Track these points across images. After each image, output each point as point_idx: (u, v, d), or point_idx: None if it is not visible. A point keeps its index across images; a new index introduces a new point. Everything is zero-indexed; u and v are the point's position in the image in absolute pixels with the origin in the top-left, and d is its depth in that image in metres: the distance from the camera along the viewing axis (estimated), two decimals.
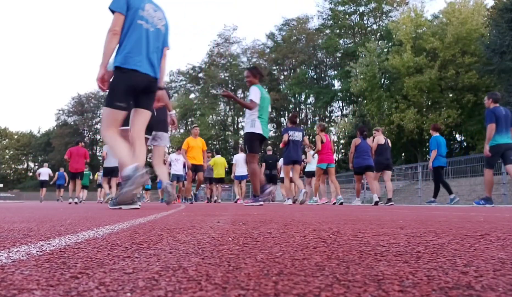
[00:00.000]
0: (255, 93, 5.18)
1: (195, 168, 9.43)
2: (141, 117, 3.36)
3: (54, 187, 17.61)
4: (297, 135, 7.72)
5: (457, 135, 32.91)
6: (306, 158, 9.89)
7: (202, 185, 12.01)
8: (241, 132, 46.94)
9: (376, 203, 7.51)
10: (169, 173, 11.64)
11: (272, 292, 0.48)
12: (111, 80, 3.21)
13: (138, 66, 3.15)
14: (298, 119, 8.29)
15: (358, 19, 39.25)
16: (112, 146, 3.19)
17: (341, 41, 40.46)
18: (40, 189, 18.04)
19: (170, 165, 11.58)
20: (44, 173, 17.42)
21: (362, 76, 28.86)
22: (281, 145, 7.91)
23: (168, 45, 3.57)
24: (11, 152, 59.52)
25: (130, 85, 3.16)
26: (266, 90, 5.47)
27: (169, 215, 2.61)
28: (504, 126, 5.78)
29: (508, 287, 0.51)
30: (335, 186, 8.20)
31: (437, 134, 7.66)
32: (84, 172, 11.99)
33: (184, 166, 11.28)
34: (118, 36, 3.14)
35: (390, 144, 8.11)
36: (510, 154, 5.83)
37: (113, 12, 3.15)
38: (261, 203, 5.49)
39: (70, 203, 9.93)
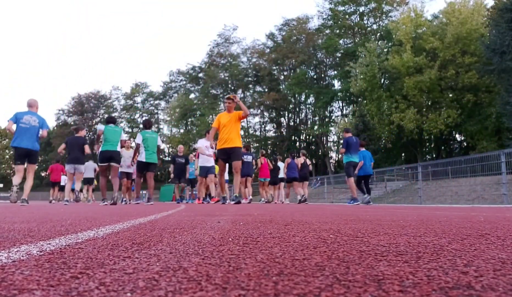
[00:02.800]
0: (138, 137, 8.09)
1: (229, 153, 6.87)
2: (31, 168, 6.70)
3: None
4: (248, 158, 10.86)
5: (457, 136, 32.90)
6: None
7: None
8: (241, 132, 46.92)
9: (300, 201, 10.71)
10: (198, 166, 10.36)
11: (272, 292, 0.48)
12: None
13: (18, 144, 6.42)
14: (251, 148, 12.08)
15: (358, 19, 39.23)
16: (14, 178, 6.50)
17: (341, 41, 40.43)
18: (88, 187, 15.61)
19: (197, 156, 10.38)
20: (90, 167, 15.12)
21: (362, 76, 28.84)
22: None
23: (45, 127, 6.70)
24: (11, 152, 59.53)
25: (17, 154, 6.52)
26: (151, 131, 8.26)
27: (170, 215, 2.61)
28: (354, 150, 8.86)
29: (508, 287, 0.51)
30: (257, 191, 11.68)
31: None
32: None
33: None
34: (11, 130, 6.54)
35: (309, 163, 11.64)
36: (353, 170, 9.04)
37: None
38: (139, 202, 9.05)
39: (50, 202, 13.68)
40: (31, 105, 6.73)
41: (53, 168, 15.21)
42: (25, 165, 6.62)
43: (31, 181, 6.79)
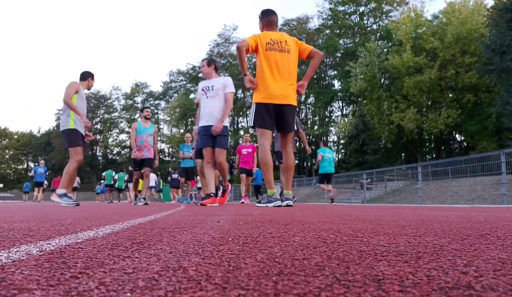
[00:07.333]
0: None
1: (279, 114, 4.20)
2: (41, 189, 18.13)
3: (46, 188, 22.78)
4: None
5: (457, 135, 32.90)
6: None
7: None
8: (241, 133, 47.00)
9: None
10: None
11: (272, 292, 0.48)
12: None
13: (36, 179, 17.67)
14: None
15: (358, 19, 39.25)
16: (34, 193, 18.04)
17: (341, 41, 40.44)
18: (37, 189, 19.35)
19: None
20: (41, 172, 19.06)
21: (362, 76, 28.85)
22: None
23: (45, 171, 17.82)
24: (11, 152, 59.51)
25: (35, 184, 18.04)
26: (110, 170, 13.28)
27: (169, 215, 2.61)
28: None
29: (508, 287, 0.51)
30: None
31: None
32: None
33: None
34: (33, 175, 17.70)
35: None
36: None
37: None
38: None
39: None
40: (42, 164, 16.77)
41: (55, 181, 20.19)
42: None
43: (41, 194, 14.97)
